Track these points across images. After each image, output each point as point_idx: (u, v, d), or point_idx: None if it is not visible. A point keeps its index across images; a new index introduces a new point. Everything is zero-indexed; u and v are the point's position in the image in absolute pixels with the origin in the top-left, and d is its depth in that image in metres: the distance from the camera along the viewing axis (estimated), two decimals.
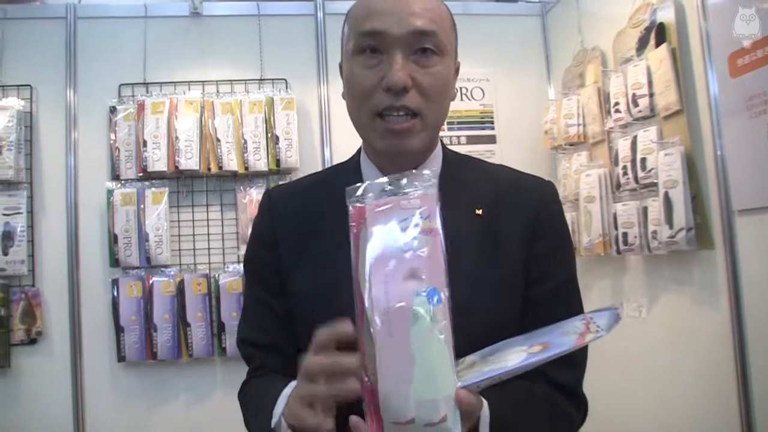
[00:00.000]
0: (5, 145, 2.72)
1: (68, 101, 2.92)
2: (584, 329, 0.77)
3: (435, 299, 0.74)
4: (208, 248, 2.94)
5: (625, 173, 2.43)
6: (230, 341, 2.78)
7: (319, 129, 3.09)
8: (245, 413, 1.08)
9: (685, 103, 2.18)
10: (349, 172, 1.10)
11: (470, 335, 0.83)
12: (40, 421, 2.75)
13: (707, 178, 2.13)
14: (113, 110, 2.91)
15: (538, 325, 0.85)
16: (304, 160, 2.96)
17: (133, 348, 2.78)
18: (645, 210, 2.33)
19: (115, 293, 2.80)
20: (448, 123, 3.10)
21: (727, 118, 2.03)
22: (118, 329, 2.78)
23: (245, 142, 2.90)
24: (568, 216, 2.68)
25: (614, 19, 2.58)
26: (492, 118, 3.22)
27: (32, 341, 2.78)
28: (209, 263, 2.92)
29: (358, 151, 1.14)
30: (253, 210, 2.85)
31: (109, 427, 2.81)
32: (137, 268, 2.84)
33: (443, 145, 1.13)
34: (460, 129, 3.17)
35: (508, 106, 3.23)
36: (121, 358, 2.78)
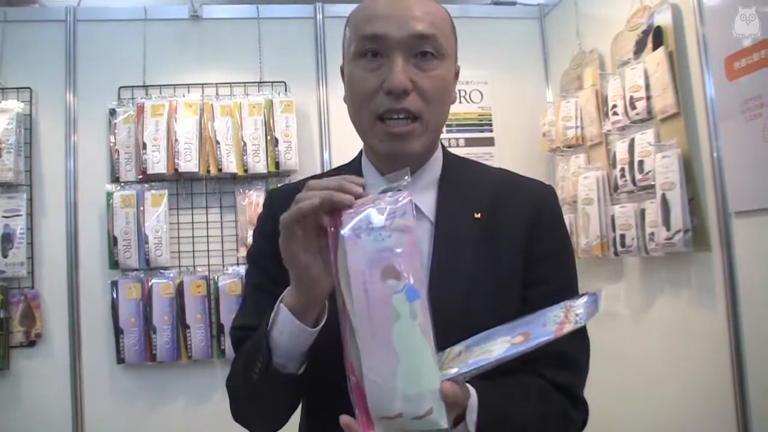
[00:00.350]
0: (5, 147, 2.72)
1: (68, 104, 2.93)
2: (564, 319, 0.78)
3: (414, 296, 0.75)
4: (208, 250, 2.94)
5: (622, 175, 2.44)
6: (229, 343, 2.77)
7: (318, 131, 3.10)
8: (230, 376, 1.04)
9: (682, 106, 2.19)
10: (350, 174, 1.11)
11: (468, 337, 0.85)
12: (40, 423, 2.75)
13: (704, 181, 2.15)
14: (113, 113, 2.92)
15: None
16: (304, 162, 2.97)
17: (132, 350, 2.78)
18: (642, 212, 2.34)
19: (115, 295, 2.80)
20: (447, 125, 3.10)
21: (724, 120, 2.04)
22: (118, 331, 2.79)
23: (244, 144, 2.90)
24: (567, 218, 2.69)
25: (612, 23, 2.59)
26: (490, 120, 3.23)
27: (31, 343, 2.78)
28: (208, 265, 2.93)
29: (360, 154, 1.15)
30: (252, 212, 2.86)
31: (108, 428, 2.81)
32: (137, 270, 2.85)
33: (444, 148, 1.14)
34: (458, 131, 3.18)
35: (507, 108, 3.24)
36: (120, 359, 2.79)
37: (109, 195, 2.85)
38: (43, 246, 2.85)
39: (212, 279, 2.87)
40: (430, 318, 0.76)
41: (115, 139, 2.90)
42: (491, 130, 3.22)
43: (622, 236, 2.44)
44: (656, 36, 2.30)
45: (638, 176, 2.35)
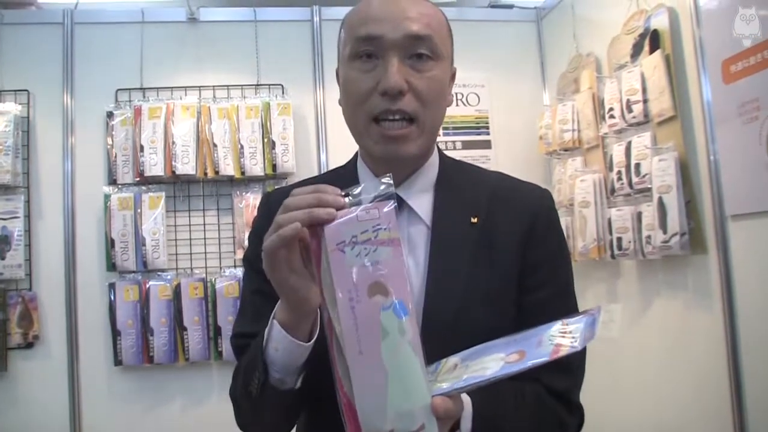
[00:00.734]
0: (2, 149, 2.72)
1: (65, 106, 2.93)
2: (560, 341, 0.76)
3: (402, 312, 0.74)
4: (205, 252, 2.94)
5: (619, 178, 2.45)
6: (226, 345, 2.78)
7: (315, 134, 3.10)
8: (233, 387, 1.04)
9: (679, 109, 2.20)
10: (345, 177, 1.11)
11: (464, 342, 0.84)
12: (37, 425, 2.75)
13: (701, 184, 2.15)
14: (110, 115, 2.92)
15: None
16: (301, 164, 2.97)
17: (129, 352, 2.78)
18: (639, 215, 2.34)
19: (112, 297, 2.80)
20: (444, 128, 3.11)
21: (721, 124, 2.05)
22: (115, 333, 2.78)
23: (242, 147, 2.91)
24: (563, 221, 2.70)
25: (609, 26, 2.60)
26: (487, 123, 3.23)
27: (29, 345, 2.78)
28: (206, 267, 2.93)
29: (355, 156, 1.15)
30: (249, 215, 2.86)
31: (105, 430, 2.81)
32: (134, 272, 2.84)
33: (440, 151, 1.14)
34: (455, 134, 3.19)
35: (503, 111, 3.25)
36: (117, 361, 2.78)
37: (107, 197, 2.85)
38: (40, 248, 2.85)
39: (209, 281, 2.87)
40: (419, 333, 0.75)
41: (112, 141, 2.90)
42: (488, 133, 3.23)
43: (619, 239, 2.44)
44: (653, 39, 2.31)
45: (635, 179, 2.35)
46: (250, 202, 2.91)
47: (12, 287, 2.79)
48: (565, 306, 1.05)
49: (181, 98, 2.98)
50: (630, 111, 2.38)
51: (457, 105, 3.18)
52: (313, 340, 0.89)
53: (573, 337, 0.76)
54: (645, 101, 2.32)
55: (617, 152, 2.46)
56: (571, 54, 2.95)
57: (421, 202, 1.06)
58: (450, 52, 1.07)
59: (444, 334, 0.93)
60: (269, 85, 3.06)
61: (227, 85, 3.05)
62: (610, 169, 2.52)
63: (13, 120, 2.77)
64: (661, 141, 2.26)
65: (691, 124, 2.19)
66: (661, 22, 2.28)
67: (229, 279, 2.86)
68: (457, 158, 1.18)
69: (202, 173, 2.88)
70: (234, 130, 2.92)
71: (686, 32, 2.20)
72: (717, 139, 2.07)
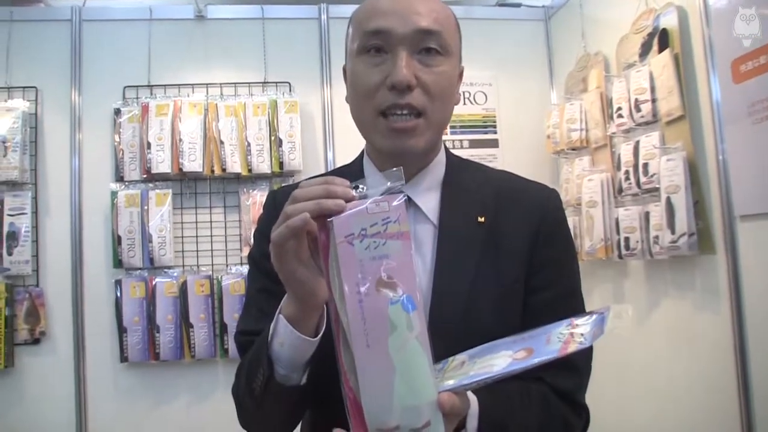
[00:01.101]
0: (10, 146, 2.74)
1: (73, 103, 2.94)
2: (568, 338, 0.75)
3: (410, 306, 0.73)
4: (211, 250, 2.95)
5: (627, 178, 2.44)
6: (232, 342, 2.74)
7: (322, 132, 3.10)
8: (236, 385, 1.03)
9: (688, 109, 2.19)
10: (352, 174, 1.10)
11: (470, 341, 0.84)
12: (44, 421, 2.76)
13: (709, 184, 2.14)
14: (117, 112, 2.93)
15: None
16: (307, 162, 2.98)
17: (135, 348, 2.79)
18: (647, 215, 2.34)
19: (119, 294, 2.81)
20: (451, 127, 3.10)
21: (730, 123, 2.04)
22: (121, 330, 2.79)
23: (249, 144, 2.91)
24: (570, 221, 2.69)
25: (617, 25, 2.59)
26: (494, 122, 3.22)
27: (36, 341, 2.79)
28: (212, 265, 2.93)
29: (362, 154, 1.14)
30: (255, 212, 2.86)
31: (111, 426, 2.82)
32: (140, 269, 2.85)
33: (446, 150, 1.13)
34: (462, 133, 3.18)
35: (511, 110, 3.24)
36: (123, 358, 2.79)
37: (114, 194, 2.86)
38: (47, 244, 2.86)
39: (215, 278, 2.88)
40: (426, 328, 0.74)
41: (119, 138, 2.90)
42: (495, 132, 3.22)
43: (627, 239, 2.43)
44: (662, 38, 2.29)
45: (643, 179, 2.34)
46: (256, 199, 2.91)
47: (19, 283, 2.80)
48: (571, 306, 1.04)
49: (188, 95, 2.98)
50: (638, 110, 2.37)
51: (464, 103, 3.18)
52: (319, 336, 0.88)
53: (582, 335, 0.75)
54: (653, 101, 2.31)
55: (625, 152, 2.45)
56: (579, 53, 2.93)
57: (428, 200, 1.06)
58: (458, 49, 1.07)
59: (450, 333, 0.93)
60: (276, 82, 3.06)
61: (235, 83, 3.05)
62: (618, 168, 2.51)
63: (21, 116, 2.78)
64: (670, 141, 2.25)
65: (700, 123, 2.17)
66: (670, 21, 2.27)
67: (236, 276, 2.86)
68: (464, 157, 1.17)
69: (209, 170, 2.89)
70: (241, 128, 2.93)
71: (695, 31, 2.19)
72: (726, 139, 2.06)
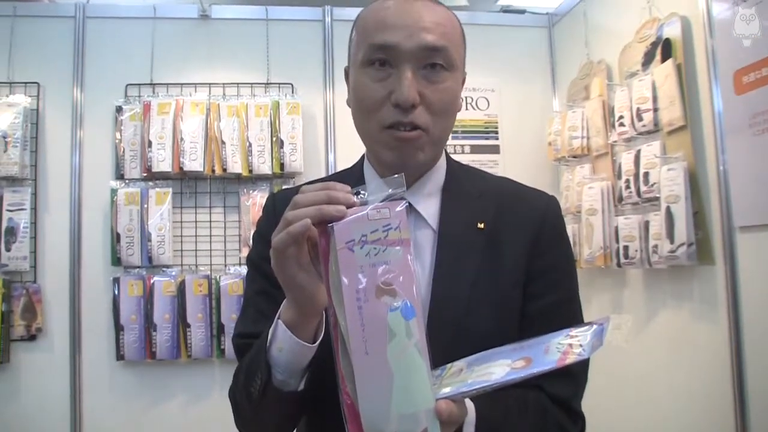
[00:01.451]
0: (11, 141, 2.73)
1: (75, 99, 2.94)
2: (567, 348, 0.75)
3: (409, 314, 0.73)
4: (210, 250, 2.95)
5: (627, 187, 2.44)
6: (229, 343, 2.78)
7: (324, 134, 3.10)
8: (233, 388, 1.02)
9: (690, 119, 2.19)
10: (352, 179, 1.09)
11: (468, 348, 0.84)
12: (38, 417, 2.76)
13: (709, 194, 2.14)
14: (119, 110, 2.93)
15: None
16: (308, 164, 2.97)
17: (132, 347, 2.78)
18: (647, 224, 2.33)
19: (116, 292, 2.80)
20: (453, 132, 3.06)
21: (731, 134, 2.04)
22: (118, 328, 2.79)
23: (250, 145, 2.91)
24: (570, 228, 2.69)
25: (621, 34, 2.59)
26: (496, 128, 3.23)
27: (32, 337, 2.79)
28: (211, 265, 2.93)
29: (362, 158, 1.14)
30: (255, 213, 2.86)
31: (106, 424, 2.81)
32: (139, 267, 2.85)
33: (447, 156, 1.13)
34: (464, 138, 3.18)
35: (513, 116, 3.24)
36: (120, 356, 2.79)
37: (114, 192, 2.86)
38: (46, 241, 2.86)
39: (214, 278, 2.87)
40: (425, 335, 0.74)
41: (120, 136, 2.90)
42: (497, 138, 3.22)
43: (626, 248, 2.43)
44: (665, 48, 2.30)
45: (643, 188, 2.34)
46: (256, 200, 2.91)
47: (17, 279, 2.80)
48: (570, 314, 1.05)
49: (190, 95, 2.99)
50: (640, 119, 2.37)
51: (466, 109, 3.18)
52: (318, 341, 0.88)
53: (581, 345, 0.75)
54: (655, 110, 2.31)
55: (626, 160, 2.45)
56: (582, 61, 2.94)
57: (428, 206, 1.06)
58: (463, 59, 1.07)
59: (449, 339, 0.93)
60: (279, 84, 3.06)
61: (237, 83, 3.05)
62: (619, 177, 2.51)
63: (23, 112, 2.78)
64: (671, 150, 2.25)
65: (701, 134, 2.17)
66: (673, 31, 2.27)
67: (234, 277, 2.86)
68: (465, 162, 1.17)
69: (209, 170, 2.88)
70: (243, 128, 2.93)
71: (699, 42, 2.19)
72: (727, 150, 2.06)
